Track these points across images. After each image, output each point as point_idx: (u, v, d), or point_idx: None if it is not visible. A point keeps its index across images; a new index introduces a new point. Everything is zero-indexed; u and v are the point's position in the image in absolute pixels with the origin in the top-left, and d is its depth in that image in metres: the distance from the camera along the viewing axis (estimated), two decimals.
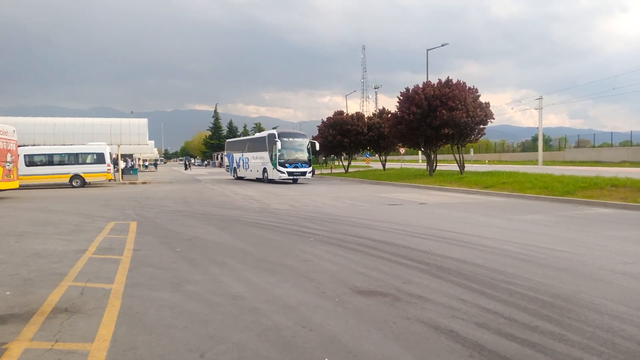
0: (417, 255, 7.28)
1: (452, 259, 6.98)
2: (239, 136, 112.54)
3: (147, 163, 74.98)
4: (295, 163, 28.16)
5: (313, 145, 29.92)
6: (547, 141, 69.38)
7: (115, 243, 8.72)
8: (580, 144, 59.77)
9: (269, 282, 5.85)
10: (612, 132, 57.71)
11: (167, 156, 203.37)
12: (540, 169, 32.71)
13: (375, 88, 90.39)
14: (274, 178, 28.45)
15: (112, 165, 29.84)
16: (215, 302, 5.10)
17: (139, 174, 38.45)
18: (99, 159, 28.15)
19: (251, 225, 10.86)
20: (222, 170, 65.29)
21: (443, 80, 25.31)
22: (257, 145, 31.22)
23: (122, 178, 33.99)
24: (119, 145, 33.18)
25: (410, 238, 8.91)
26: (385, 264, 6.76)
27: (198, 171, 59.99)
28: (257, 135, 33.90)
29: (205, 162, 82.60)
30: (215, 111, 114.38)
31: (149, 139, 47.37)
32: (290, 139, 28.82)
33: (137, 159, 61.52)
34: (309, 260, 7.05)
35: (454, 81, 24.83)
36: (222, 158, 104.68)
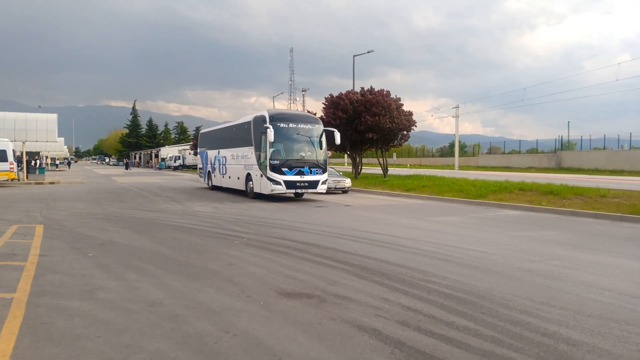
0: (342, 257, 7.38)
1: (375, 260, 7.15)
2: (160, 135, 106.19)
3: (58, 161, 69.64)
4: (298, 166, 16.73)
5: (330, 135, 18.05)
6: (462, 147, 73.81)
7: (18, 248, 7.96)
8: (492, 151, 64.23)
9: (191, 288, 5.63)
10: (520, 140, 62.74)
11: (79, 154, 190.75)
12: (456, 173, 34.76)
13: (302, 91, 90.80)
14: (262, 192, 17.09)
15: (15, 164, 27.33)
16: (131, 309, 4.80)
17: (46, 173, 35.55)
18: (1, 156, 25.66)
19: (172, 229, 10.42)
20: (144, 171, 62.06)
21: (366, 88, 26.12)
22: (239, 136, 19.57)
23: (27, 177, 31.23)
24: (23, 142, 30.45)
25: (337, 240, 9.01)
26: (311, 266, 6.77)
27: (113, 171, 56.58)
28: (239, 120, 20.65)
29: (124, 162, 78.33)
30: (133, 108, 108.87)
31: (59, 136, 43.95)
32: (291, 125, 16.99)
33: (44, 157, 56.87)
34: (233, 264, 6.89)
35: (377, 89, 25.67)
36: (140, 158, 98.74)
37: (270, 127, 16.02)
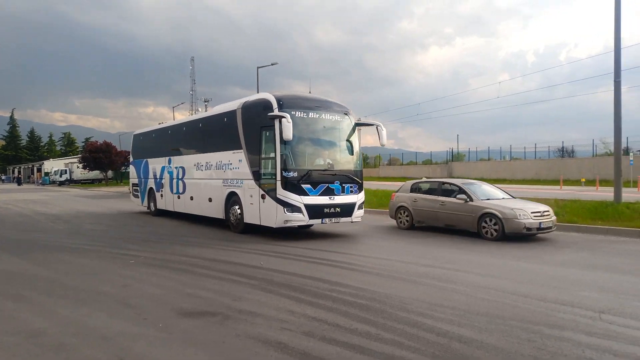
0: (248, 271, 7.24)
1: (282, 272, 7.12)
2: (43, 148, 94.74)
3: None
4: (326, 181, 10.54)
5: (353, 129, 11.56)
6: (365, 159, 76.99)
7: None
8: (391, 162, 67.68)
9: (80, 314, 5.15)
10: (416, 152, 67.03)
11: None
12: None
13: (205, 101, 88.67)
14: (264, 222, 10.72)
15: None
16: (9, 342, 4.26)
17: None
18: None
19: (59, 250, 9.50)
20: (25, 187, 55.73)
21: None
22: (213, 135, 13.25)
23: None
24: None
25: (241, 254, 8.85)
26: (215, 283, 6.55)
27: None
28: (212, 111, 14.76)
29: (13, 177, 69.76)
30: (11, 117, 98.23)
31: None
32: (312, 115, 10.81)
33: None
34: (128, 285, 6.44)
35: None
36: (19, 172, 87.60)
37: (288, 116, 9.66)
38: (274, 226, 10.38)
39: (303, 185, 10.19)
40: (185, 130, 15.20)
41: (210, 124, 13.59)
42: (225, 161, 12.24)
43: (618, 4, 13.78)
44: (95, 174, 55.57)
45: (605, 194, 17.64)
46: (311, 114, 10.76)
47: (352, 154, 11.36)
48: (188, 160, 14.56)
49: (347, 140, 11.33)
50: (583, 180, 29.29)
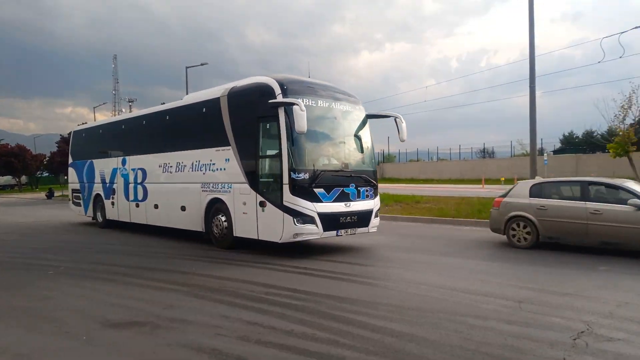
0: (179, 278, 7.00)
1: (215, 278, 6.95)
2: None
3: None
4: (340, 184, 8.64)
5: (365, 122, 9.78)
6: None
7: None
8: None
9: None
10: None
11: None
12: None
13: (129, 102, 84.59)
14: (264, 236, 8.61)
15: None
16: None
17: None
18: None
19: None
20: None
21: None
22: (195, 129, 10.68)
23: None
24: None
25: (172, 260, 8.54)
26: (144, 291, 6.27)
27: None
28: (192, 100, 11.04)
29: None
30: None
31: None
32: (321, 103, 8.88)
33: None
34: (49, 298, 6.00)
35: None
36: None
37: (301, 103, 7.82)
38: (279, 241, 8.20)
39: (316, 190, 8.24)
40: (147, 125, 12.57)
41: (183, 116, 11.12)
42: (205, 161, 10.00)
43: (531, 15, 14.91)
44: (7, 179, 51.40)
45: None
46: (320, 103, 8.81)
47: (367, 151, 9.55)
48: (151, 160, 12.01)
49: (361, 134, 9.48)
50: (502, 179, 31.31)
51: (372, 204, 9.14)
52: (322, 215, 8.23)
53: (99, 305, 5.63)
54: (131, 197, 12.64)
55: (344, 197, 8.60)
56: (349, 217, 8.65)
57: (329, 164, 8.75)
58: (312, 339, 4.30)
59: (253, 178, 8.74)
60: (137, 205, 12.36)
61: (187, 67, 29.91)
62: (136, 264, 8.26)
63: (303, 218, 8.10)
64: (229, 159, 9.34)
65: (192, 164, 10.40)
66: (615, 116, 13.71)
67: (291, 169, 8.08)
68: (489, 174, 38.73)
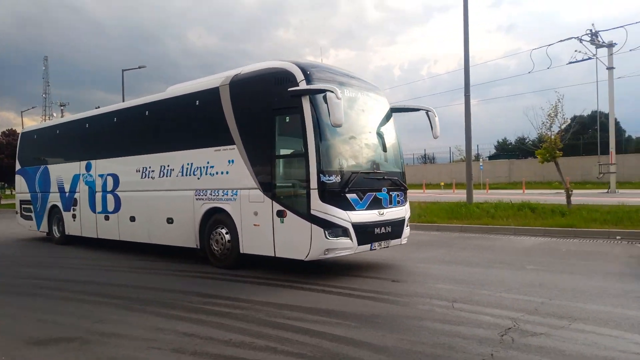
0: (112, 290, 6.71)
1: (152, 289, 6.72)
2: None
3: None
4: (373, 188, 7.41)
5: (390, 115, 8.60)
6: None
7: None
8: None
9: None
10: None
11: None
12: None
13: (61, 105, 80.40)
14: (290, 253, 7.13)
15: None
16: None
17: None
18: None
19: None
20: None
21: None
22: (186, 125, 9.12)
23: None
24: None
25: (104, 272, 8.18)
26: (72, 305, 5.95)
27: None
28: (181, 92, 9.35)
29: None
30: None
31: None
32: (349, 93, 7.59)
33: None
34: None
35: None
36: None
37: (337, 90, 6.53)
38: (305, 259, 6.86)
39: (349, 196, 6.98)
40: (119, 122, 10.70)
41: (168, 110, 9.45)
42: (201, 163, 8.45)
43: (466, 29, 15.66)
44: None
45: (460, 195, 19.79)
46: (347, 92, 7.43)
47: (396, 149, 8.49)
48: (126, 164, 10.24)
49: (389, 130, 8.34)
50: (442, 184, 32.61)
51: (404, 211, 8.07)
52: (356, 227, 6.92)
53: (23, 322, 5.28)
54: (98, 208, 10.82)
55: (376, 204, 7.37)
56: (383, 228, 7.43)
57: (360, 165, 7.44)
58: (250, 347, 4.24)
59: (267, 182, 7.31)
60: (107, 218, 10.54)
61: (123, 70, 28.86)
62: (71, 277, 7.83)
63: (335, 230, 6.77)
64: (233, 161, 7.87)
65: (183, 167, 8.79)
66: (542, 124, 14.58)
67: (320, 171, 6.72)
68: (430, 179, 40.15)
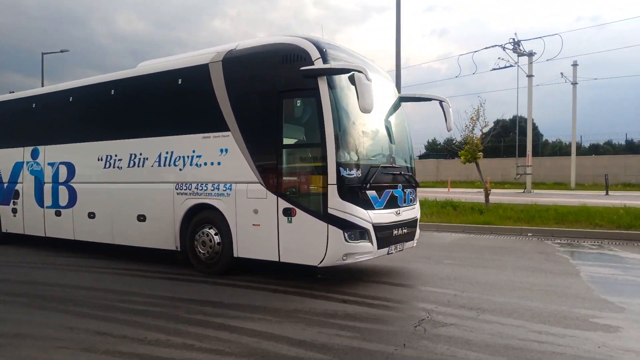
0: (17, 288, 6.26)
1: (63, 286, 6.34)
2: None
3: None
4: (390, 185, 6.64)
5: (399, 104, 7.79)
6: None
7: None
8: None
9: None
10: None
11: None
12: None
13: None
14: (298, 258, 6.18)
15: None
16: None
17: None
18: None
19: None
20: None
21: None
22: (165, 108, 7.68)
23: None
24: None
25: (7, 268, 7.62)
26: None
27: None
28: (158, 69, 7.97)
29: None
30: None
31: None
32: (376, 78, 6.57)
33: None
34: None
35: None
36: None
37: (366, 71, 5.73)
38: (319, 265, 5.96)
39: (369, 193, 6.15)
40: (76, 102, 9.08)
41: (141, 90, 8.08)
42: (184, 152, 7.26)
43: (398, 33, 16.13)
44: None
45: None
46: (376, 77, 6.70)
47: (409, 142, 7.74)
48: (84, 151, 8.76)
49: (402, 120, 7.61)
50: None
51: (416, 210, 7.40)
52: (376, 228, 6.12)
53: None
54: (47, 202, 9.18)
55: (393, 203, 6.60)
56: (400, 229, 6.68)
57: (379, 158, 6.67)
58: (165, 345, 4.13)
59: (271, 176, 6.31)
60: (58, 214, 8.97)
61: (43, 54, 26.89)
62: None
63: (355, 232, 5.92)
64: (227, 150, 6.79)
65: (160, 156, 7.54)
66: (466, 126, 15.37)
67: (340, 164, 5.82)
68: None
